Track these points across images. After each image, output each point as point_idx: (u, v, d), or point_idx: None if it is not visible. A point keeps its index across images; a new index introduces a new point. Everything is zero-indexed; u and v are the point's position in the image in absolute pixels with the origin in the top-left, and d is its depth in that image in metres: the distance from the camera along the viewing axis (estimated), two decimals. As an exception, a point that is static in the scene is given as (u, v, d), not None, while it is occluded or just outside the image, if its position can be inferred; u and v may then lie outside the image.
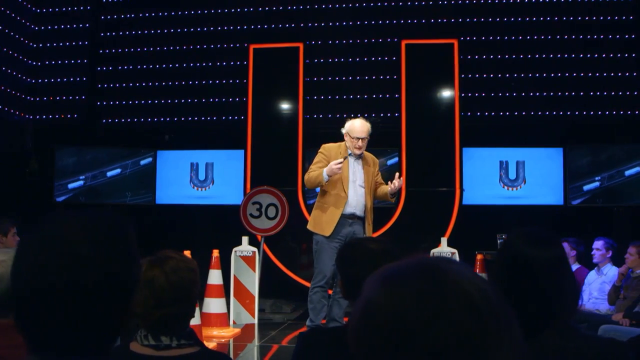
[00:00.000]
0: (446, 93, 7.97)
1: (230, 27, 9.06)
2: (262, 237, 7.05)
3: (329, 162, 5.24)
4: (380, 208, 8.15)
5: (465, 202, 7.82)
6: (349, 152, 5.32)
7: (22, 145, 8.84)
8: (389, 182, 5.23)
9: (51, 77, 9.30)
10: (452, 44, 7.95)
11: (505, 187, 8.06)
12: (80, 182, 8.44)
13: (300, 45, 8.20)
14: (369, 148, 5.45)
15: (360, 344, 0.79)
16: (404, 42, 8.05)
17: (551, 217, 7.84)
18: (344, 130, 5.40)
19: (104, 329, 0.99)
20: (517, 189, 8.04)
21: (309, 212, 5.83)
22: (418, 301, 0.75)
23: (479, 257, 6.68)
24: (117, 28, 9.32)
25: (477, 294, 0.76)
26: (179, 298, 1.77)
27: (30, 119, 9.16)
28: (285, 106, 8.30)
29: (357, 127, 5.28)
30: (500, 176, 8.06)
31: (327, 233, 5.20)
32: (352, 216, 5.28)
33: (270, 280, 7.37)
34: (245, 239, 6.76)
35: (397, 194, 5.45)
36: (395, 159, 8.10)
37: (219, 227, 8.21)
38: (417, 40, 8.11)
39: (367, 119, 5.47)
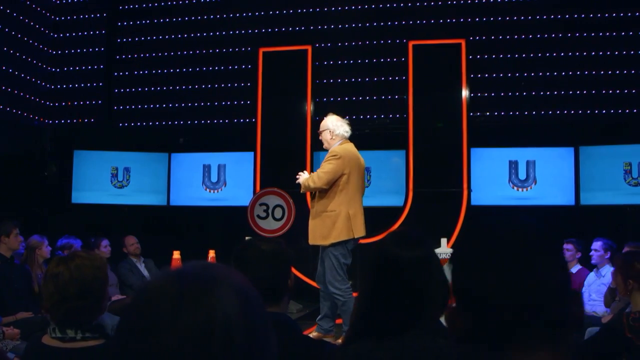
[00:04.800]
0: (454, 93, 7.90)
1: (240, 31, 9.19)
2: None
3: None
4: (387, 208, 8.17)
5: (473, 202, 7.74)
6: None
7: (41, 149, 9.11)
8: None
9: (69, 82, 9.58)
10: (460, 44, 7.88)
11: (515, 188, 7.94)
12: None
13: (309, 48, 8.25)
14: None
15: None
16: (411, 43, 8.01)
17: (562, 217, 7.71)
18: None
19: None
20: (527, 190, 7.90)
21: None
22: (156, 302, 0.78)
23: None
24: (132, 34, 9.55)
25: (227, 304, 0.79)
26: (83, 293, 1.86)
27: (49, 124, 9.45)
28: (294, 108, 8.35)
29: None
30: (510, 176, 7.96)
31: None
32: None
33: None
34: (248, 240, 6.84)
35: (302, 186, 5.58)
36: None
37: (230, 228, 8.31)
38: (425, 40, 8.07)
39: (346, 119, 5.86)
